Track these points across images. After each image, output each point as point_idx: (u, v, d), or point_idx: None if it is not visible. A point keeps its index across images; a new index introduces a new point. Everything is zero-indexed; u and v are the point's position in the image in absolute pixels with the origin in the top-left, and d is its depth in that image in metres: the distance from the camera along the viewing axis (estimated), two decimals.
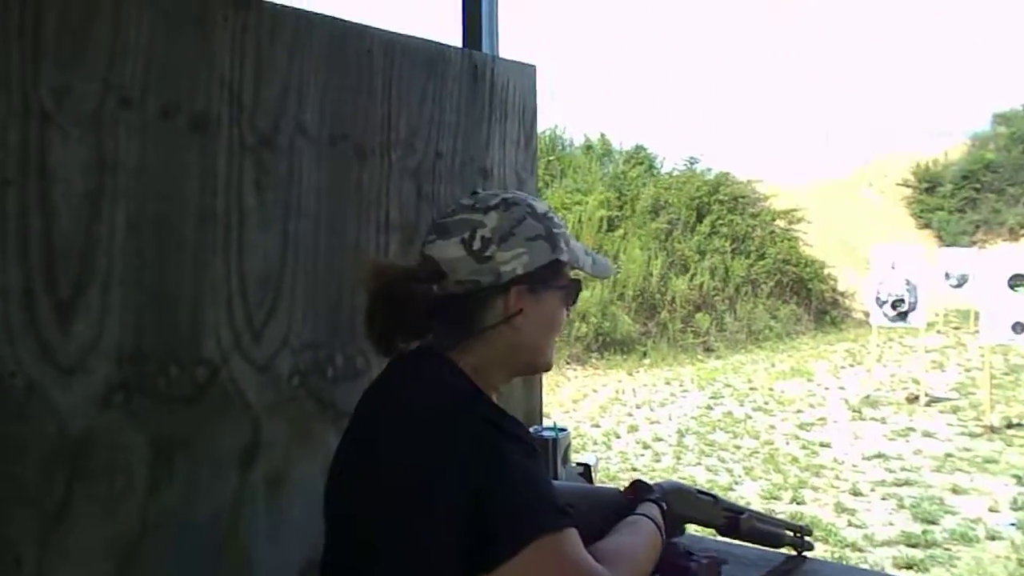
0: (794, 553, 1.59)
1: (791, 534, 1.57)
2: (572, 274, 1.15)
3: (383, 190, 1.61)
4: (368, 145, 1.58)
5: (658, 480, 1.31)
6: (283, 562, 1.38)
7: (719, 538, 1.47)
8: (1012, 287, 7.66)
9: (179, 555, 1.26)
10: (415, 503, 0.94)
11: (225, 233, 1.33)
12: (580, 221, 13.67)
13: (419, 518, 0.94)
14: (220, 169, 1.32)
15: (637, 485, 1.25)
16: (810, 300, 15.50)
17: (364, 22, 1.56)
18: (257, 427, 1.36)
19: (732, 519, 1.40)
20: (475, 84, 1.81)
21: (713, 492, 1.41)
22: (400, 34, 1.63)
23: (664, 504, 1.20)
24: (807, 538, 1.59)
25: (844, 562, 4.57)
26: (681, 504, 1.29)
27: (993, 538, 5.06)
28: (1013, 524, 5.25)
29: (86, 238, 1.16)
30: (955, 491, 5.97)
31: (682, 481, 1.39)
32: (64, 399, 1.13)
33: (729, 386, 10.23)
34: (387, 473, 0.98)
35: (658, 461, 7.05)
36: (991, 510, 5.57)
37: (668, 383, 10.62)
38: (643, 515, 1.16)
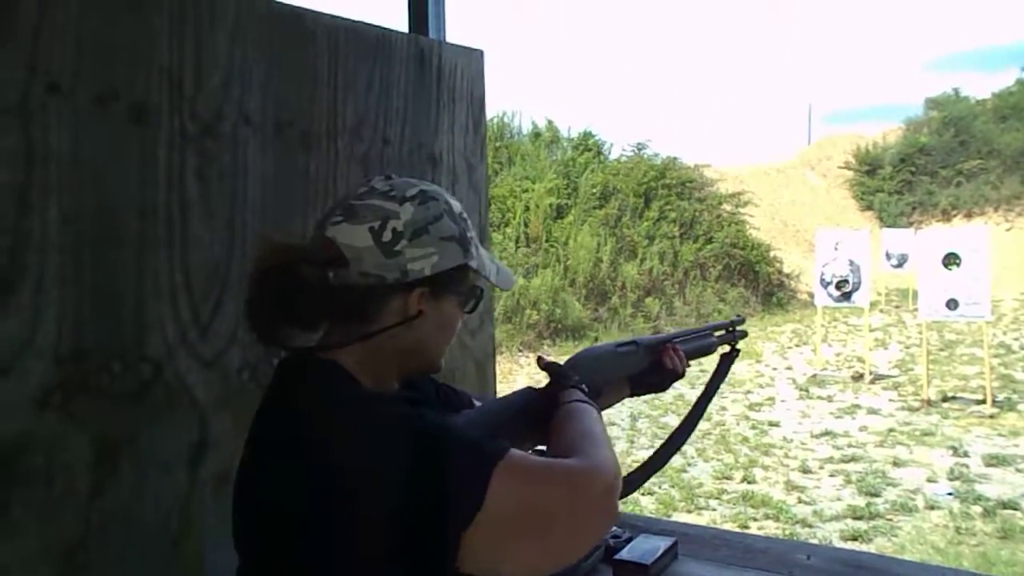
0: (728, 349, 1.54)
1: (721, 333, 1.53)
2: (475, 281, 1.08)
3: (330, 179, 1.58)
4: (314, 133, 1.54)
5: (570, 355, 1.26)
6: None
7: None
8: (945, 266, 7.94)
9: (127, 558, 1.22)
10: (353, 520, 0.87)
11: (168, 226, 1.29)
12: (529, 208, 13.69)
13: (362, 533, 0.87)
14: (161, 160, 1.27)
15: (552, 373, 1.20)
16: (757, 283, 15.81)
17: (306, 6, 1.53)
18: (205, 424, 1.32)
19: (656, 356, 1.37)
20: (422, 69, 1.79)
21: (632, 338, 1.37)
22: (344, 19, 1.60)
23: (584, 386, 1.16)
24: (739, 328, 1.55)
25: (795, 538, 4.68)
26: (603, 369, 1.27)
27: (932, 507, 5.24)
28: (950, 494, 5.45)
29: (14, 233, 1.10)
30: (896, 464, 6.16)
31: (595, 345, 1.37)
32: None
33: None
34: (314, 498, 0.89)
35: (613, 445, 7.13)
36: (929, 480, 5.77)
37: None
38: (569, 402, 1.11)
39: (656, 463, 1.37)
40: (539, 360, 1.23)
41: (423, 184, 1.04)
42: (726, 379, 1.52)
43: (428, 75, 1.80)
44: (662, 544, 1.52)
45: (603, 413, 1.17)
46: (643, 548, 1.51)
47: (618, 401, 1.39)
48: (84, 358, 1.17)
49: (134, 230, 1.24)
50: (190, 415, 1.31)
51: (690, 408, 1.46)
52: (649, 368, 1.36)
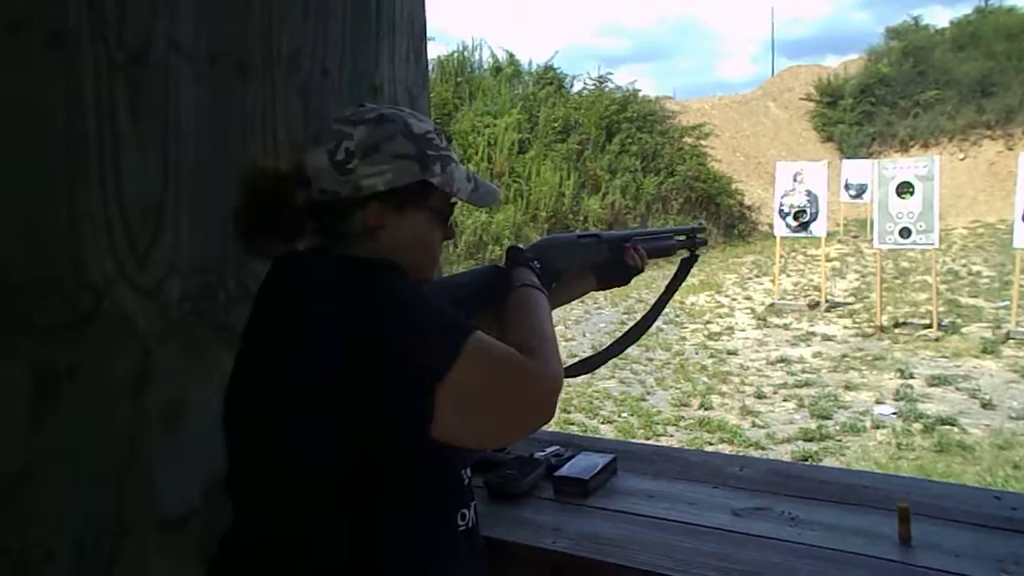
0: (688, 254, 1.60)
1: (682, 238, 1.59)
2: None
3: (268, 109, 1.55)
4: (250, 62, 1.52)
5: (536, 239, 1.36)
6: (186, 484, 1.39)
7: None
8: (899, 195, 8.08)
9: (74, 488, 1.24)
10: (334, 379, 0.96)
11: (99, 157, 1.27)
12: (491, 144, 13.56)
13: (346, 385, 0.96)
14: (87, 89, 1.25)
15: (510, 252, 1.30)
16: (719, 215, 15.96)
17: None
18: (148, 354, 1.33)
19: (618, 251, 1.44)
20: None
21: (595, 231, 1.45)
22: None
23: (536, 263, 1.27)
24: (699, 235, 1.62)
25: None
26: (562, 256, 1.35)
27: (878, 427, 5.47)
28: (895, 413, 5.69)
29: None
30: (848, 388, 6.39)
31: (560, 234, 1.46)
32: None
33: (642, 301, 10.52)
34: (299, 364, 1.01)
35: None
36: (877, 402, 6.00)
37: (582, 301, 10.80)
38: (520, 286, 1.22)
39: (610, 353, 1.53)
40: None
41: (386, 108, 1.13)
42: (684, 282, 1.61)
43: (367, 2, 1.77)
44: (601, 460, 1.58)
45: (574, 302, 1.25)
46: (583, 465, 1.58)
47: (585, 292, 1.49)
48: (14, 292, 1.17)
49: (63, 162, 1.22)
50: (132, 346, 1.32)
51: (647, 309, 1.56)
52: (611, 262, 1.44)
